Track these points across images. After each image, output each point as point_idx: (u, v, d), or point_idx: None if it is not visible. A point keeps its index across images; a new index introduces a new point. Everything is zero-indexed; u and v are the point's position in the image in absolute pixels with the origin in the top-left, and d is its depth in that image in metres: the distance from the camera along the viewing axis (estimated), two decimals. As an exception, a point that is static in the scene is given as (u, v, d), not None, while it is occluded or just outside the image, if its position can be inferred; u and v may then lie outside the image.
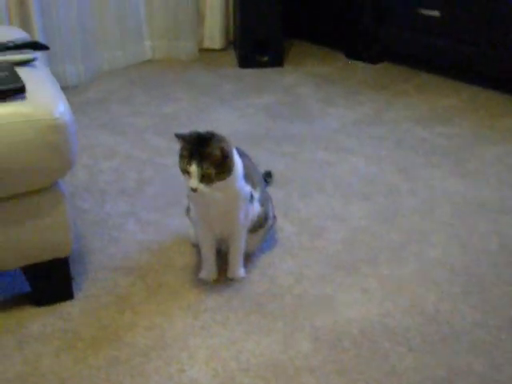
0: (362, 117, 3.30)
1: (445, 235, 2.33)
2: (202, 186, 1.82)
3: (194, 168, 1.80)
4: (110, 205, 2.52)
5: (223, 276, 2.10)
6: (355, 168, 2.79)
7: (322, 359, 1.79)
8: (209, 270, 2.09)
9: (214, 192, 1.85)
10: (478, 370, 1.76)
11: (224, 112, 3.36)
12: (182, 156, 1.84)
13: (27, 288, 2.02)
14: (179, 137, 1.87)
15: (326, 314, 1.96)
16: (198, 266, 2.13)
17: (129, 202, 2.54)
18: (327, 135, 3.10)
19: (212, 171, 1.81)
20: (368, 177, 2.72)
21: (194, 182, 1.82)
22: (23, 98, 1.74)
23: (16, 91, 1.73)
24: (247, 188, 1.97)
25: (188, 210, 2.15)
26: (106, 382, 1.73)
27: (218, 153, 1.81)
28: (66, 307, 1.99)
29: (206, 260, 2.08)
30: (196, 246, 2.20)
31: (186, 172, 1.84)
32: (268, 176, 2.54)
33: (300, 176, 2.73)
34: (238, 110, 3.39)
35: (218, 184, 1.83)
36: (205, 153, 1.80)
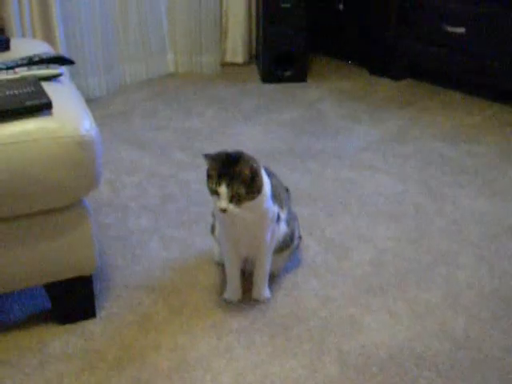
0: (386, 134, 3.26)
1: (473, 257, 2.28)
2: (231, 207, 1.79)
3: (223, 188, 1.77)
4: (133, 221, 2.49)
5: (248, 297, 2.07)
6: (381, 187, 2.75)
7: (350, 384, 1.76)
8: (233, 291, 2.05)
9: (243, 212, 1.81)
10: (509, 398, 1.72)
11: (246, 127, 3.34)
12: (210, 176, 1.81)
13: (49, 306, 1.99)
14: (207, 157, 1.83)
15: (353, 337, 1.92)
16: (223, 286, 2.10)
17: (152, 218, 2.51)
18: (351, 152, 3.07)
19: (242, 191, 1.77)
20: (394, 196, 2.68)
21: (224, 203, 1.78)
22: (49, 114, 1.72)
23: (42, 107, 1.71)
24: (275, 208, 1.94)
25: (213, 228, 2.12)
26: (128, 405, 1.71)
27: (247, 172, 1.78)
28: (88, 326, 1.96)
29: (230, 280, 2.05)
30: (220, 265, 2.17)
31: (214, 192, 1.80)
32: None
33: (324, 194, 2.70)
34: (261, 125, 3.36)
35: (247, 204, 1.80)
36: (234, 172, 1.77)
